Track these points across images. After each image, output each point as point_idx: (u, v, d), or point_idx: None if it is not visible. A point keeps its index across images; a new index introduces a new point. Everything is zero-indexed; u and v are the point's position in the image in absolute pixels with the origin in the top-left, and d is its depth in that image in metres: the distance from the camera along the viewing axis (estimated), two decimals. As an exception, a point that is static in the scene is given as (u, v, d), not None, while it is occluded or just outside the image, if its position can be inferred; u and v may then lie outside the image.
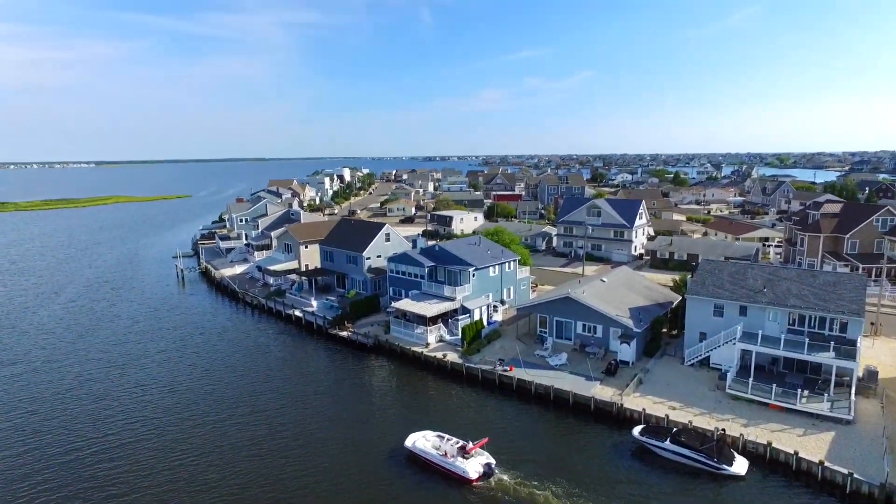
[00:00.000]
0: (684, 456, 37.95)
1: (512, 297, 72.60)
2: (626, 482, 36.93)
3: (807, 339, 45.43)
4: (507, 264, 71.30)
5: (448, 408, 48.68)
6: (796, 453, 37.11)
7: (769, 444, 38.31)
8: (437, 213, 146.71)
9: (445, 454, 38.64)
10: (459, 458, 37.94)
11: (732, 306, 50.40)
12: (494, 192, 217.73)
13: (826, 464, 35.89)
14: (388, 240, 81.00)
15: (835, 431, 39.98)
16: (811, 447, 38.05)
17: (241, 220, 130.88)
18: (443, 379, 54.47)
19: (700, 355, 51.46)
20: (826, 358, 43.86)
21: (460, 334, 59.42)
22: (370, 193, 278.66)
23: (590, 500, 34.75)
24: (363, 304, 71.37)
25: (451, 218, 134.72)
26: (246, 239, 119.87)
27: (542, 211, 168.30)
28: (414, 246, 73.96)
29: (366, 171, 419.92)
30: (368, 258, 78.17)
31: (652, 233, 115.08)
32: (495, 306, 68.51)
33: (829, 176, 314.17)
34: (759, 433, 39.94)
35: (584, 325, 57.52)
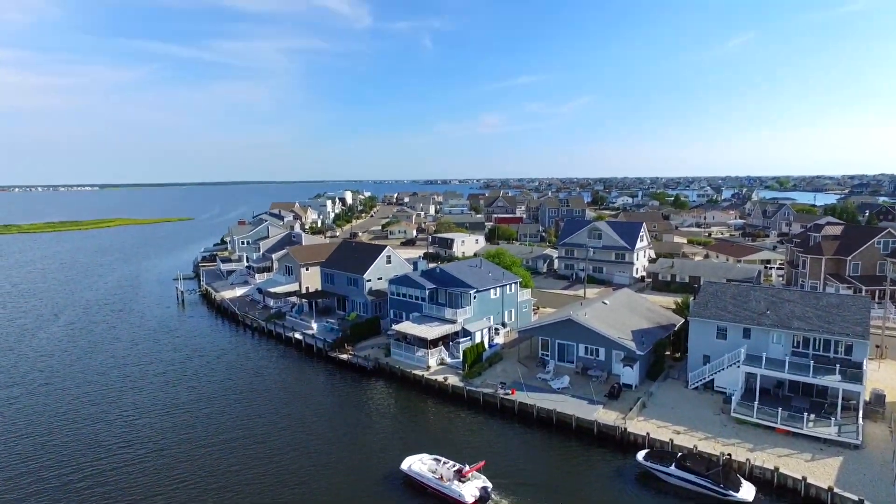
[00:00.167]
0: (690, 481, 37.18)
1: (513, 319, 72.17)
2: (631, 509, 36.08)
3: (812, 362, 44.94)
4: (508, 287, 71.04)
5: (448, 431, 47.93)
6: (804, 479, 36.35)
7: (776, 469, 37.56)
8: (439, 235, 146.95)
9: (441, 477, 38.10)
10: (455, 482, 37.41)
11: (736, 328, 49.99)
12: (495, 215, 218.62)
13: (836, 490, 35.08)
14: (389, 262, 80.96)
15: (843, 456, 39.23)
16: (819, 473, 37.29)
17: (242, 243, 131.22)
18: (444, 402, 53.78)
19: (704, 378, 50.86)
20: (832, 381, 43.31)
21: (461, 357, 58.90)
22: (372, 216, 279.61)
23: (594, 528, 33.93)
24: (364, 326, 70.95)
25: (452, 240, 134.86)
26: (247, 261, 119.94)
27: (543, 233, 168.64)
28: (415, 268, 73.84)
29: (367, 194, 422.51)
30: (369, 280, 78.01)
31: (653, 255, 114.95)
32: (496, 329, 68.08)
33: (829, 199, 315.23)
34: (765, 458, 39.21)
35: (586, 348, 57.03)
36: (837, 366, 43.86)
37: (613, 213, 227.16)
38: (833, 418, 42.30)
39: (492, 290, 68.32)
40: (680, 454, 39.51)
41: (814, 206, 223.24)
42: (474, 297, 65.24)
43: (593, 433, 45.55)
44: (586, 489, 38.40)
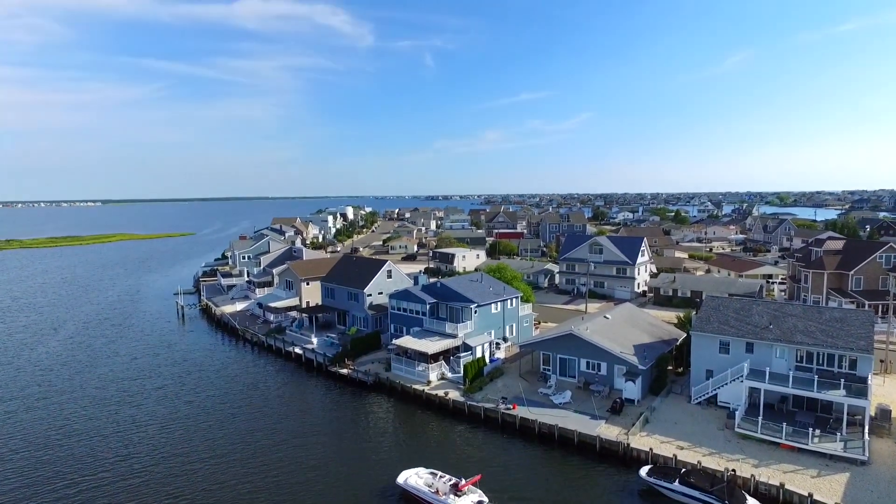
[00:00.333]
0: (694, 498, 36.60)
1: (514, 334, 71.78)
2: (635, 526, 35.50)
3: (816, 377, 44.51)
4: (509, 301, 70.80)
5: (449, 447, 47.37)
6: (811, 496, 35.78)
7: (782, 485, 36.99)
8: (439, 250, 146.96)
9: (437, 491, 37.86)
10: (451, 496, 37.19)
11: (738, 343, 49.64)
12: (496, 231, 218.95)
13: (842, 507, 34.54)
14: (389, 277, 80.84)
15: (849, 472, 38.66)
16: (826, 489, 36.72)
17: (243, 258, 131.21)
18: (444, 417, 53.25)
19: (707, 393, 50.37)
20: (837, 396, 42.86)
21: (462, 372, 58.47)
22: (373, 231, 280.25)
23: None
24: (364, 341, 70.57)
25: (453, 255, 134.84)
26: (248, 276, 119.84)
27: (544, 249, 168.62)
28: (415, 283, 73.67)
29: (369, 209, 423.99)
30: (370, 295, 77.81)
31: (654, 270, 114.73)
32: (498, 343, 67.66)
33: (830, 214, 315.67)
34: (770, 474, 38.66)
35: (587, 363, 56.61)
36: (842, 380, 43.41)
37: (614, 228, 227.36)
38: (838, 434, 41.82)
39: (493, 305, 68.06)
40: (684, 470, 39.00)
41: (814, 221, 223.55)
42: (475, 312, 64.97)
43: (596, 449, 44.99)
44: (589, 506, 37.78)
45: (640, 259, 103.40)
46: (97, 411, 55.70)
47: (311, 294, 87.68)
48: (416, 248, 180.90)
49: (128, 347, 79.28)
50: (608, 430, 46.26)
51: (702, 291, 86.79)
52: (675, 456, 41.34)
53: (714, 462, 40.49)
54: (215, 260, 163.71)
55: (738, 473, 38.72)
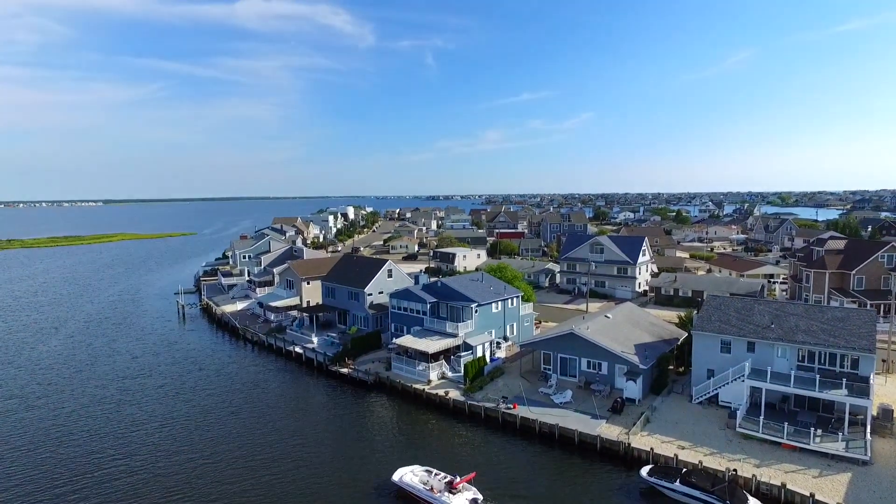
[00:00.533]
0: (695, 498, 36.44)
1: (515, 333, 71.65)
2: (636, 526, 35.36)
3: (818, 376, 44.34)
4: (509, 301, 70.67)
5: (449, 446, 47.24)
6: (812, 496, 35.61)
7: (784, 485, 36.82)
8: (440, 250, 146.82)
9: (432, 489, 37.95)
10: (446, 493, 37.30)
11: (740, 342, 49.48)
12: (497, 230, 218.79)
13: (844, 507, 34.38)
14: (390, 276, 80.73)
15: (851, 472, 38.49)
16: (828, 489, 36.55)
17: (244, 257, 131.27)
18: (445, 417, 53.12)
19: (708, 393, 50.21)
20: (839, 395, 42.67)
21: (463, 371, 58.35)
22: (374, 231, 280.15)
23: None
24: (364, 340, 70.46)
25: (453, 255, 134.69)
26: (248, 275, 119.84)
27: (545, 248, 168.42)
28: (416, 282, 73.57)
29: (369, 209, 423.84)
30: (370, 294, 77.71)
31: (655, 270, 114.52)
32: (498, 343, 67.55)
33: (831, 214, 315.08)
34: (772, 474, 38.50)
35: (588, 362, 56.47)
36: (844, 380, 43.21)
37: (615, 228, 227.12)
38: (840, 433, 41.64)
39: (493, 304, 67.94)
40: (685, 470, 38.87)
41: (816, 221, 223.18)
42: (476, 311, 64.85)
43: (596, 448, 44.85)
44: (589, 505, 37.66)
45: (641, 259, 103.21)
46: (97, 410, 55.65)
47: (312, 293, 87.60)
48: (416, 247, 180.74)
49: (128, 346, 79.25)
50: (609, 430, 46.12)
51: (703, 291, 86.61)
52: (676, 456, 41.19)
53: (715, 462, 40.33)
54: (216, 259, 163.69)
55: (739, 473, 38.56)
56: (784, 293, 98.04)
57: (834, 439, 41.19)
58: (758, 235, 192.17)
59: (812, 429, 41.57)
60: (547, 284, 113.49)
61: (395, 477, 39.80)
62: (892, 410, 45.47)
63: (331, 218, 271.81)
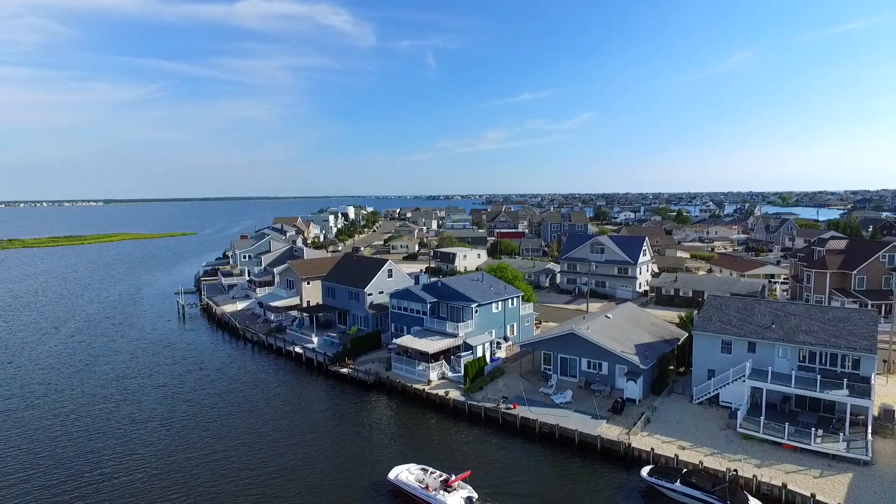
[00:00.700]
0: (695, 498, 36.35)
1: (515, 333, 71.56)
2: (636, 526, 35.25)
3: (818, 377, 44.21)
4: (510, 301, 70.57)
5: (448, 446, 47.16)
6: (813, 496, 35.51)
7: (784, 485, 36.72)
8: (441, 250, 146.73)
9: (427, 487, 38.02)
10: (441, 492, 37.37)
11: (741, 342, 49.37)
12: (498, 230, 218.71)
13: (845, 507, 34.26)
14: (390, 276, 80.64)
15: (853, 473, 38.38)
16: (829, 490, 36.45)
17: (244, 257, 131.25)
18: (445, 417, 53.05)
19: (709, 393, 50.10)
20: (840, 395, 42.55)
21: (463, 371, 58.26)
22: (374, 231, 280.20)
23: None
24: (364, 340, 70.38)
25: (454, 255, 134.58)
26: (248, 275, 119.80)
27: (546, 248, 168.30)
28: (416, 282, 73.49)
29: (370, 209, 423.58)
30: (370, 294, 77.63)
31: (656, 270, 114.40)
32: (498, 343, 67.47)
33: (832, 214, 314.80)
34: (773, 474, 38.39)
35: (589, 362, 56.37)
36: (845, 380, 43.09)
37: (616, 228, 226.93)
38: (841, 434, 41.52)
39: (494, 304, 67.85)
40: (685, 470, 38.78)
41: (817, 220, 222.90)
42: (476, 311, 64.77)
43: (597, 448, 44.76)
44: (590, 506, 37.57)
45: (641, 259, 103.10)
46: (97, 409, 55.60)
47: (312, 293, 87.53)
48: (417, 247, 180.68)
49: (128, 346, 79.21)
50: (609, 430, 46.02)
51: (704, 291, 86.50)
52: (676, 456, 41.09)
53: (716, 462, 40.23)
54: (216, 259, 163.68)
55: (739, 474, 38.45)
56: (785, 293, 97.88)
57: (835, 440, 41.08)
58: (758, 235, 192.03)
59: (813, 429, 41.46)
60: (547, 284, 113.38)
61: (391, 475, 39.93)
62: (894, 411, 45.28)
63: (331, 218, 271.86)
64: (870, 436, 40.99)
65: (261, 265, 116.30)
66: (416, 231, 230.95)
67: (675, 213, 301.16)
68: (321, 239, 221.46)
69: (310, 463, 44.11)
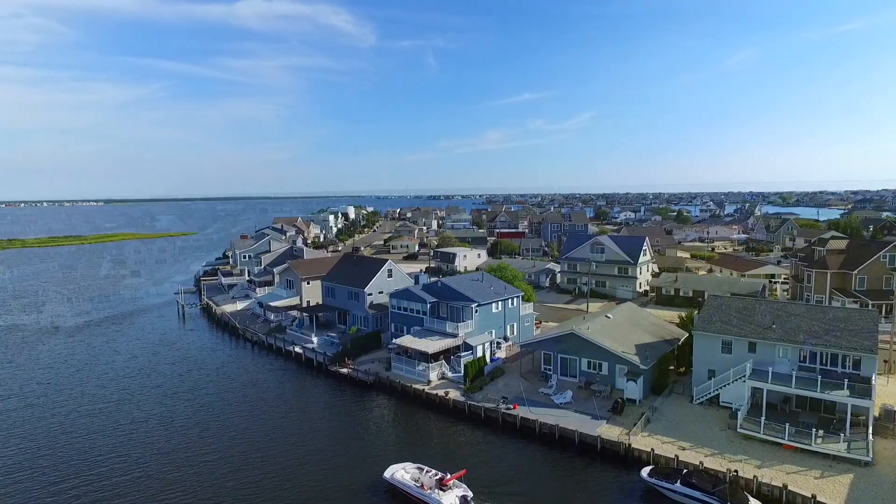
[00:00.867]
0: (696, 499, 36.27)
1: (515, 333, 71.47)
2: (636, 527, 35.19)
3: (819, 377, 44.11)
4: (510, 300, 70.49)
5: (448, 446, 47.10)
6: (814, 497, 35.43)
7: (785, 486, 36.64)
8: (441, 249, 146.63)
9: (422, 486, 38.09)
10: (436, 490, 37.46)
11: (741, 342, 49.28)
12: (498, 230, 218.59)
13: (846, 508, 34.18)
14: (390, 276, 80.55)
15: (853, 474, 38.29)
16: (829, 490, 36.37)
17: (244, 257, 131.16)
18: (444, 417, 52.97)
19: (709, 393, 50.01)
20: (840, 396, 42.45)
21: (463, 371, 58.18)
22: (374, 231, 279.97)
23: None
24: (364, 340, 70.33)
25: (454, 255, 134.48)
26: (248, 275, 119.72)
27: (546, 248, 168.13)
28: (416, 282, 73.40)
29: (370, 209, 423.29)
30: (370, 294, 77.54)
31: (656, 269, 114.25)
32: (498, 343, 67.39)
33: (833, 214, 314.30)
34: (773, 475, 38.31)
35: (589, 363, 56.28)
36: (846, 381, 42.99)
37: (616, 227, 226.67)
38: (842, 434, 41.43)
39: (494, 304, 67.77)
40: (685, 471, 38.71)
41: (817, 220, 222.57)
42: (476, 311, 64.68)
43: (597, 449, 44.69)
44: (590, 506, 37.51)
45: (641, 258, 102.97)
46: (96, 409, 55.59)
47: (312, 293, 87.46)
48: (417, 247, 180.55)
49: (128, 346, 79.20)
50: (609, 431, 45.95)
51: (704, 291, 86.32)
52: (676, 456, 41.03)
53: (716, 463, 40.15)
54: (216, 259, 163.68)
55: (740, 474, 38.38)
56: (785, 293, 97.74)
57: (835, 440, 41.00)
58: (759, 235, 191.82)
59: (813, 430, 41.40)
60: (547, 284, 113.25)
61: (387, 474, 40.05)
62: (894, 411, 45.22)
63: (331, 217, 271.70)
64: (870, 436, 40.90)
65: (261, 265, 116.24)
66: (416, 231, 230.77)
67: (675, 213, 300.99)
68: (321, 239, 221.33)
69: (309, 463, 44.10)
